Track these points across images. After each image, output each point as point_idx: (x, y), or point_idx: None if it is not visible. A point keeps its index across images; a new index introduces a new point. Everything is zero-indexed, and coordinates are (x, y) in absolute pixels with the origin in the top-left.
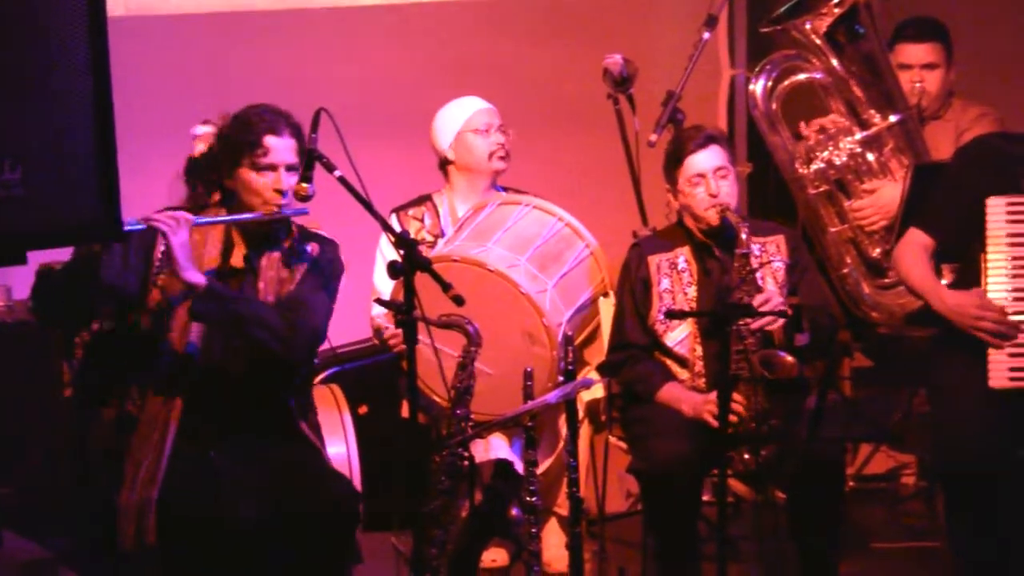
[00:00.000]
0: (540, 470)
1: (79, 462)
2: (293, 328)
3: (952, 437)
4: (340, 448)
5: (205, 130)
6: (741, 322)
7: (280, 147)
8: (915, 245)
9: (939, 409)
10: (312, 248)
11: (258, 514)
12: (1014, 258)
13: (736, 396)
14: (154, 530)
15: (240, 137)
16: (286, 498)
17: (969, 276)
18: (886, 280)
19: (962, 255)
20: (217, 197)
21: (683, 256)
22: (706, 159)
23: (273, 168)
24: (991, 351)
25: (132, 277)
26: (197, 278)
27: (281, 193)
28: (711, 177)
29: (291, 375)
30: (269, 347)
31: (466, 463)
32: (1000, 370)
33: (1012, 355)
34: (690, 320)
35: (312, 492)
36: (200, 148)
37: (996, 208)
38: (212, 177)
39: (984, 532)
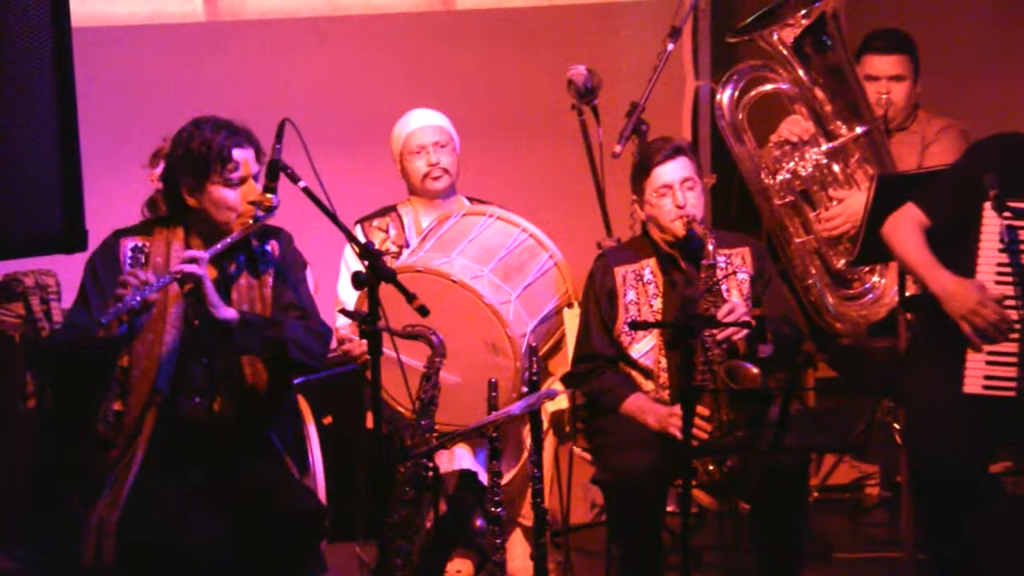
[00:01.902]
0: (504, 481)
1: (43, 474)
2: (316, 336)
3: (927, 444)
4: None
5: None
6: (706, 333)
7: (247, 159)
8: (911, 220)
9: (913, 416)
10: (272, 247)
11: (222, 533)
12: (1000, 264)
13: (700, 411)
14: (113, 551)
15: (206, 154)
16: (250, 513)
17: (963, 269)
18: (850, 291)
19: (953, 244)
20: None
21: (649, 268)
22: (673, 170)
23: (243, 181)
24: (969, 356)
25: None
26: (230, 314)
27: (255, 204)
28: (678, 188)
29: (275, 409)
30: (303, 365)
31: (430, 474)
32: (976, 376)
33: (990, 363)
34: (655, 331)
35: (276, 506)
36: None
37: (992, 213)
38: (169, 197)
39: (957, 538)
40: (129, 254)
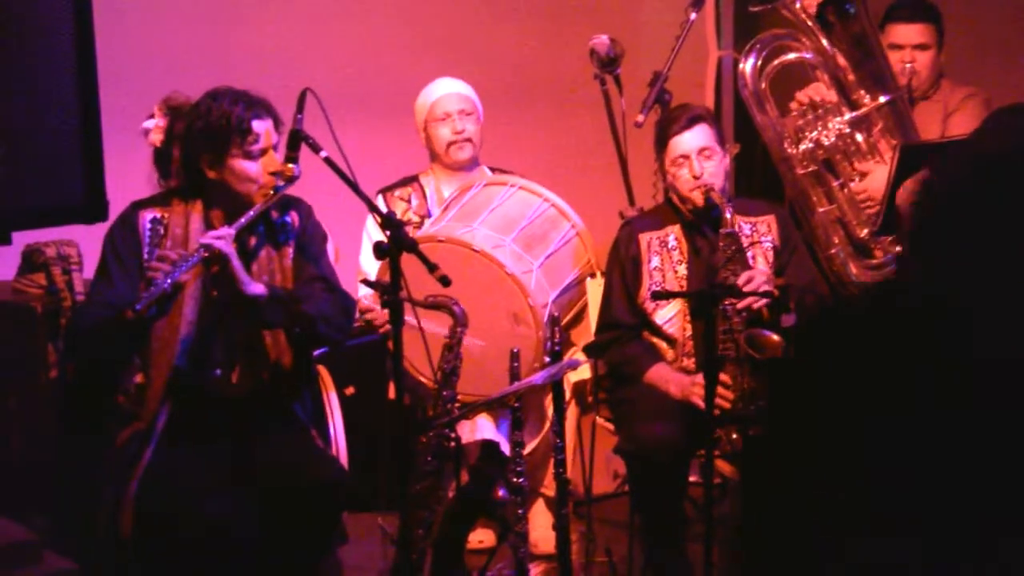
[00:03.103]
0: (526, 451)
1: (64, 445)
2: (342, 310)
3: None
4: (327, 429)
5: (155, 123)
6: (727, 302)
7: (267, 130)
8: None
9: None
10: (292, 218)
11: (242, 506)
12: None
13: (723, 379)
14: (129, 523)
15: (226, 127)
16: (274, 483)
17: None
18: (873, 261)
19: None
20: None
21: (673, 234)
22: (689, 140)
23: (264, 152)
24: None
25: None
26: (259, 289)
27: (275, 174)
28: (695, 158)
29: (297, 381)
30: (331, 339)
31: (452, 444)
32: None
33: None
34: (680, 299)
35: (301, 476)
36: (157, 138)
37: None
38: (189, 170)
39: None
40: (148, 226)
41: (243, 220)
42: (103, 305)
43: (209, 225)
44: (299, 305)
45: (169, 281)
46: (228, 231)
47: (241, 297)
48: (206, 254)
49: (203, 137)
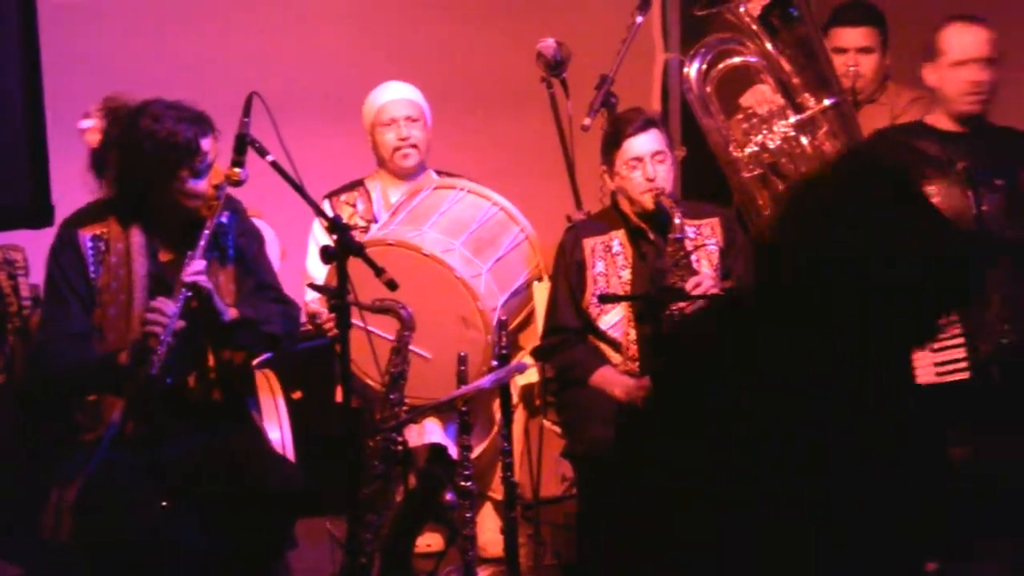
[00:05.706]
0: (474, 454)
1: (13, 451)
2: (294, 321)
3: None
4: (275, 433)
5: (92, 123)
6: (674, 306)
7: (212, 144)
8: None
9: None
10: (227, 217)
11: (193, 511)
12: None
13: None
14: (68, 528)
15: (175, 148)
16: (228, 486)
17: None
18: None
19: None
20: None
21: (618, 239)
22: (644, 143)
23: (210, 167)
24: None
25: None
26: (233, 314)
27: (227, 179)
28: (648, 161)
29: (247, 377)
30: (288, 350)
31: (400, 448)
32: (926, 366)
33: (937, 350)
34: (624, 304)
35: (256, 479)
36: (94, 139)
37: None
38: (130, 187)
39: None
40: (90, 245)
41: (202, 243)
42: (68, 338)
43: (151, 241)
44: (263, 327)
45: (170, 336)
46: (201, 263)
47: (216, 324)
48: (190, 293)
49: (151, 159)
